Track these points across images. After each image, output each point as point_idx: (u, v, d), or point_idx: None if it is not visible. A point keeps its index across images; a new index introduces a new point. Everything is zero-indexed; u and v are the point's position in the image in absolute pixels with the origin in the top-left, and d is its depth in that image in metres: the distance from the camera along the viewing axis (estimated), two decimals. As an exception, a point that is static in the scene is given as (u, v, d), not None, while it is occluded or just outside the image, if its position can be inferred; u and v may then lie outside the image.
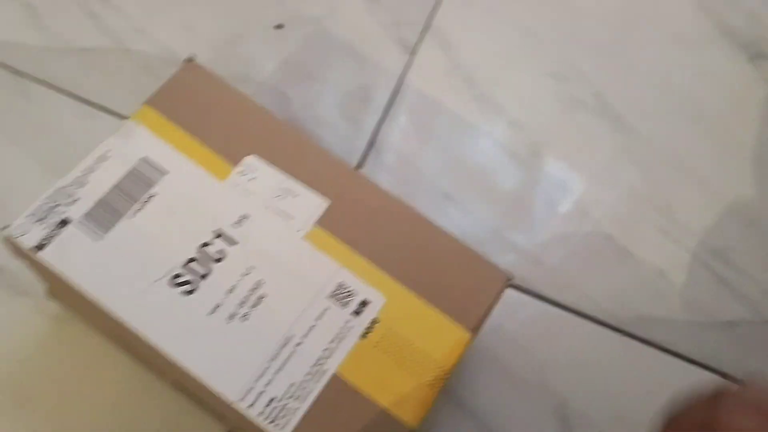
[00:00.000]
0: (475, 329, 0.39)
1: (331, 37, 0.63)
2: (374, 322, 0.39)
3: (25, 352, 0.48)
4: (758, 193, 0.59)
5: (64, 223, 0.39)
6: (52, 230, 0.39)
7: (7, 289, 0.50)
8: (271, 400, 0.36)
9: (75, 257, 0.38)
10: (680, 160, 0.61)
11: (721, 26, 0.68)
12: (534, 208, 0.57)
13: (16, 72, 0.58)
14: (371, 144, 0.58)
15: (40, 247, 0.38)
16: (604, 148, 0.61)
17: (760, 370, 0.51)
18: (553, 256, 0.55)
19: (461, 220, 0.56)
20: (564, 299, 0.53)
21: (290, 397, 0.36)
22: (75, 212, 0.39)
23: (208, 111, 0.43)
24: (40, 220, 0.39)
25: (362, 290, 0.39)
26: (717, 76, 0.65)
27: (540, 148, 0.60)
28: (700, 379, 0.51)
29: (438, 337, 0.38)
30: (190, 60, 0.44)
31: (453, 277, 0.40)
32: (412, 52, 0.63)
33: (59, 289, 0.45)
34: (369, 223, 0.41)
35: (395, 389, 0.37)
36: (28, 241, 0.38)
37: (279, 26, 0.63)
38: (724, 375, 0.52)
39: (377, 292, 0.39)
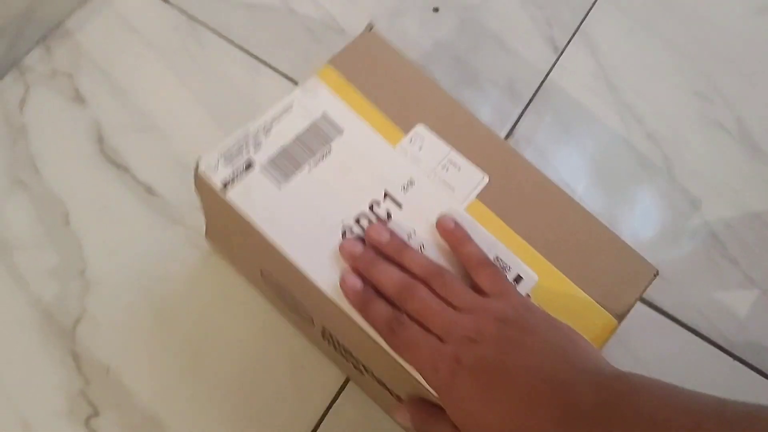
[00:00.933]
0: (621, 317, 0.40)
1: (483, 25, 0.65)
2: (527, 297, 0.40)
3: (172, 276, 0.52)
4: None
5: (249, 166, 0.41)
6: (239, 171, 0.41)
7: (164, 216, 0.54)
8: None
9: (257, 199, 0.40)
10: (815, 198, 0.60)
11: None
12: (660, 220, 0.58)
13: (192, 17, 0.62)
14: (510, 134, 0.60)
15: (225, 185, 0.40)
16: (739, 173, 0.61)
17: None
18: (675, 271, 0.56)
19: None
20: (680, 314, 0.54)
21: None
22: (260, 157, 0.41)
23: (383, 77, 0.45)
24: (228, 160, 0.41)
25: (517, 266, 0.41)
26: None
27: (674, 163, 0.61)
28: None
29: (586, 320, 0.40)
30: (370, 28, 0.47)
31: (602, 264, 0.42)
32: (560, 51, 0.65)
33: (221, 230, 0.48)
34: (525, 202, 0.43)
35: None
36: (216, 178, 0.40)
37: (435, 9, 0.65)
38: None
39: (530, 269, 0.41)
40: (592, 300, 0.40)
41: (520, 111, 0.61)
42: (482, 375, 0.34)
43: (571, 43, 0.65)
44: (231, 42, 0.61)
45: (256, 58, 0.61)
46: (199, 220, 0.53)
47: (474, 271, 0.39)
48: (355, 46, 0.46)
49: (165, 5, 0.62)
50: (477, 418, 0.34)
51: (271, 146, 0.42)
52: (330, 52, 0.62)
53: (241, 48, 0.61)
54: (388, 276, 0.38)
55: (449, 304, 0.37)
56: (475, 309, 0.37)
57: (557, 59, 0.64)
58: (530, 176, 0.44)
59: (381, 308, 0.37)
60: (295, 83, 0.60)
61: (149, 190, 0.54)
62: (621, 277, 0.41)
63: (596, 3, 0.68)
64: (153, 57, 0.60)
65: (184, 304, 0.51)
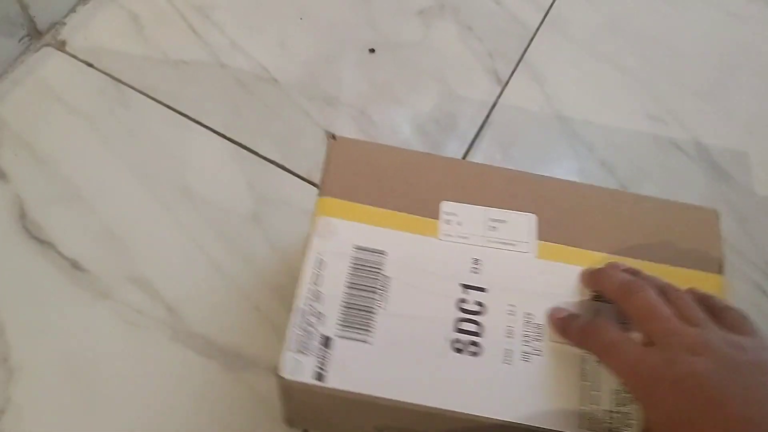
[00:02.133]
0: (721, 269, 0.40)
1: (421, 63, 0.63)
2: None
3: (103, 356, 0.49)
4: None
5: (326, 342, 0.37)
6: (321, 354, 0.37)
7: (91, 292, 0.51)
8: (609, 414, 0.36)
9: (356, 368, 0.36)
10: (781, 215, 0.57)
11: (835, 76, 0.64)
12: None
13: (117, 80, 0.60)
14: (456, 174, 0.58)
15: (319, 376, 0.36)
16: (700, 197, 0.58)
17: None
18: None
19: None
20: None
21: (621, 405, 0.36)
22: (330, 327, 0.37)
23: (380, 178, 0.42)
24: (303, 351, 0.37)
25: None
26: (827, 129, 0.62)
27: (630, 190, 0.58)
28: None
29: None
30: (333, 137, 0.43)
31: (675, 233, 0.41)
32: (504, 83, 0.63)
33: (315, 414, 0.43)
34: (578, 216, 0.41)
35: None
36: (305, 376, 0.36)
37: (371, 50, 0.63)
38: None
39: None
40: (691, 270, 0.40)
41: (465, 148, 0.59)
42: (692, 391, 0.31)
43: (515, 74, 0.63)
44: (159, 102, 0.59)
45: (186, 116, 0.58)
46: (129, 293, 0.51)
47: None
48: (332, 163, 0.42)
49: (89, 69, 0.60)
50: None
51: (332, 309, 0.38)
52: (263, 104, 0.60)
53: (169, 107, 0.58)
54: (613, 278, 0.37)
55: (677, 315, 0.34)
56: (708, 328, 0.34)
57: (501, 92, 0.62)
58: (562, 190, 0.42)
59: (578, 320, 0.37)
60: (228, 139, 0.57)
61: (75, 265, 0.51)
62: (696, 234, 0.41)
63: (539, 31, 0.66)
64: (78, 124, 0.57)
65: (115, 385, 0.48)
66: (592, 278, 0.38)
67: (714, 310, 0.36)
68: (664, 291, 0.36)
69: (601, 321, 0.36)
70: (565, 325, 0.37)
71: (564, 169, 0.59)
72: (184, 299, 0.51)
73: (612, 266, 0.39)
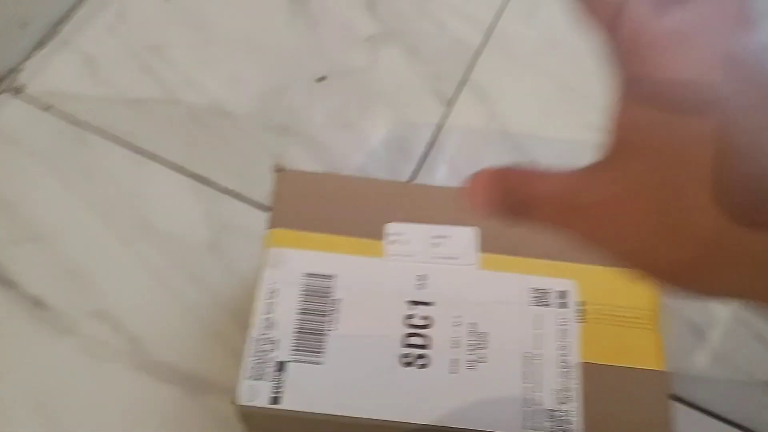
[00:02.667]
0: None
1: (370, 88, 0.66)
2: (581, 304, 0.41)
3: (68, 390, 0.50)
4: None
5: (281, 367, 0.39)
6: (276, 378, 0.39)
7: (55, 329, 0.52)
8: (550, 413, 0.38)
9: (309, 389, 0.39)
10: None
11: None
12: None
13: (75, 121, 0.61)
14: (407, 193, 0.60)
15: (275, 399, 0.38)
16: (641, 201, 0.60)
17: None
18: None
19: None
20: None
21: (562, 403, 0.39)
22: (284, 352, 0.39)
23: (326, 206, 0.44)
24: (258, 377, 0.39)
25: (553, 285, 0.42)
26: None
27: (575, 199, 0.60)
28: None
29: (634, 288, 0.41)
30: (280, 169, 0.45)
31: None
32: (449, 103, 0.65)
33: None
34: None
35: (633, 348, 0.40)
36: (261, 401, 0.38)
37: (321, 78, 0.66)
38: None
39: (564, 280, 0.42)
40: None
41: (413, 168, 0.61)
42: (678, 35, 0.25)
43: (461, 94, 0.66)
44: (116, 139, 0.61)
45: (143, 152, 0.60)
46: (92, 327, 0.52)
47: None
48: (279, 195, 0.45)
49: (47, 112, 0.62)
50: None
51: (285, 336, 0.40)
52: (218, 137, 0.62)
53: (127, 144, 0.60)
54: None
55: None
56: None
57: (448, 112, 0.64)
58: None
59: None
60: (185, 172, 0.59)
61: (39, 303, 0.53)
62: None
63: (482, 52, 0.68)
64: (37, 165, 0.59)
65: (82, 418, 0.49)
66: None
67: None
68: None
69: None
70: None
71: (511, 182, 0.61)
72: (147, 329, 0.52)
73: None
